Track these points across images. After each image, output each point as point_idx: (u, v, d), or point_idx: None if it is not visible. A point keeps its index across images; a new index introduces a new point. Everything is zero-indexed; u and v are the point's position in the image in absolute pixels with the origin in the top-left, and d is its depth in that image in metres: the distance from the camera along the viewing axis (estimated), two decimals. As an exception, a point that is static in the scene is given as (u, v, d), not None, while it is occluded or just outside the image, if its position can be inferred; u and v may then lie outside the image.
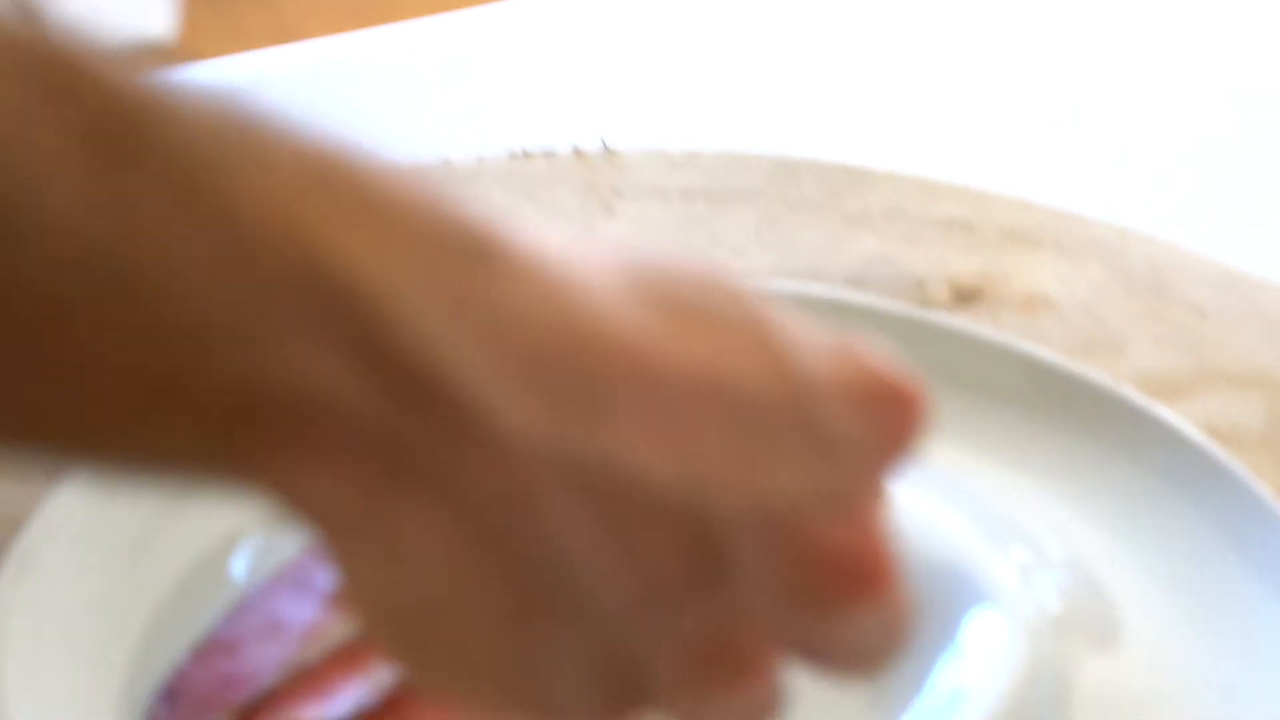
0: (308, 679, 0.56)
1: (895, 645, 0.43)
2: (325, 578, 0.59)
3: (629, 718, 0.41)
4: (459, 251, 0.37)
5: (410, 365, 0.36)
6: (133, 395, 0.35)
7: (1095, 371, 0.68)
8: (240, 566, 0.62)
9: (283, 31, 1.10)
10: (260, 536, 0.62)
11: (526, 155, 0.82)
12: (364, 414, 0.36)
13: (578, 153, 0.83)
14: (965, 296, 0.78)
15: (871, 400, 0.42)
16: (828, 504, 0.40)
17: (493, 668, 0.40)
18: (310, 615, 0.58)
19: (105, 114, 0.35)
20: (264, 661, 0.57)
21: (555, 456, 0.37)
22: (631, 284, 0.39)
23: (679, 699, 0.41)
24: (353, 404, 0.36)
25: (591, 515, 0.38)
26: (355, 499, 0.37)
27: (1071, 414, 0.67)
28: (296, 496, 0.38)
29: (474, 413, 0.36)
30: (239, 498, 0.38)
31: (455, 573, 0.38)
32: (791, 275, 0.76)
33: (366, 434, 0.36)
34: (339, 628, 0.57)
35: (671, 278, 0.40)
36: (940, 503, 0.63)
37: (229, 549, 0.62)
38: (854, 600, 0.41)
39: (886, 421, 0.42)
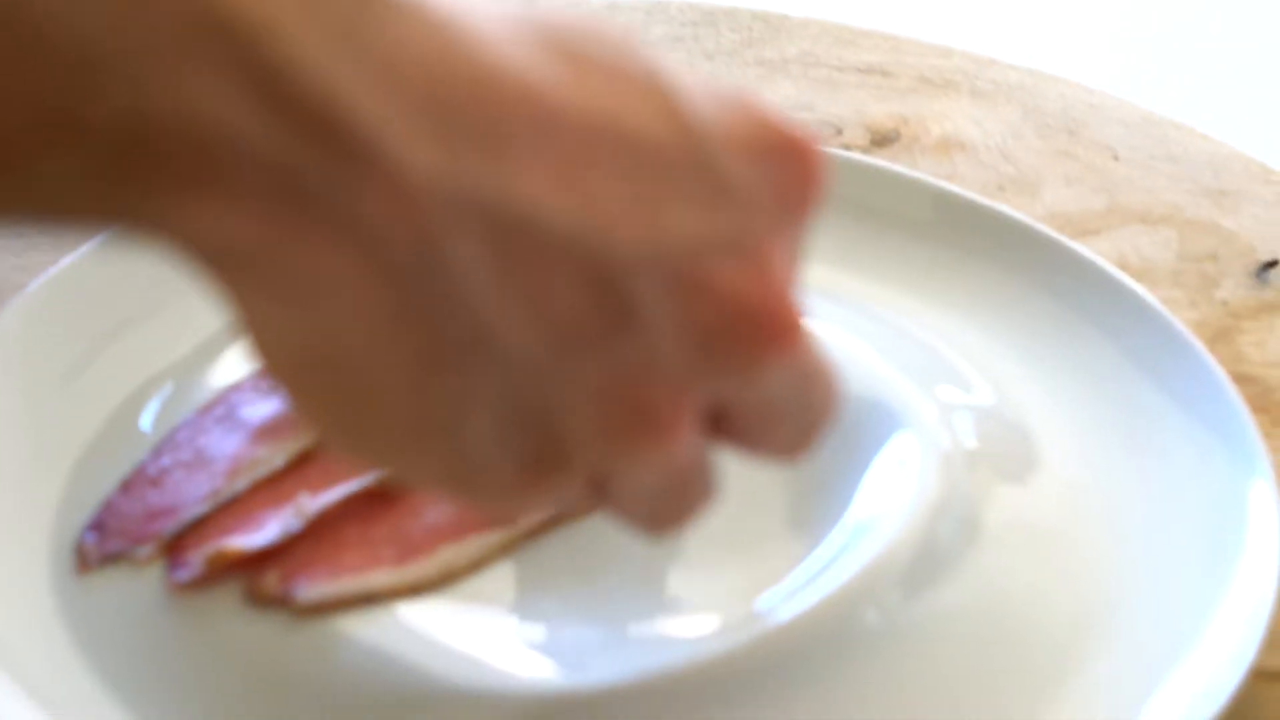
0: (234, 510, 0.57)
1: (814, 416, 0.43)
2: (252, 412, 0.60)
3: (550, 484, 0.41)
4: None
5: (304, 98, 0.35)
6: (22, 126, 0.34)
7: (1008, 208, 0.69)
8: (166, 406, 0.62)
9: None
10: (183, 376, 0.63)
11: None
12: (259, 148, 0.35)
13: None
14: (881, 141, 0.79)
15: (768, 150, 0.42)
16: (728, 252, 0.40)
17: (405, 423, 0.39)
18: (237, 448, 0.59)
19: None
20: (191, 493, 0.57)
21: (455, 194, 0.36)
22: (527, 32, 0.38)
23: (597, 456, 0.40)
24: (247, 138, 0.35)
25: (494, 256, 0.37)
26: (254, 239, 0.36)
27: (986, 248, 0.68)
28: (195, 239, 0.37)
29: (371, 148, 0.35)
30: (139, 245, 0.37)
31: (360, 317, 0.37)
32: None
33: (262, 169, 0.35)
34: (266, 461, 0.58)
35: (567, 29, 0.39)
36: (859, 336, 0.64)
37: (158, 388, 0.62)
38: (761, 351, 0.40)
39: (784, 173, 0.42)
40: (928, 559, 0.56)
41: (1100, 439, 0.62)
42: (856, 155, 0.72)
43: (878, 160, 0.71)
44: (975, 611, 0.55)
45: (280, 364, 0.39)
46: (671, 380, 0.40)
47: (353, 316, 0.37)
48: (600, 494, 0.43)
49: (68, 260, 0.65)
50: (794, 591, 0.55)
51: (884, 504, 0.57)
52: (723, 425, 0.43)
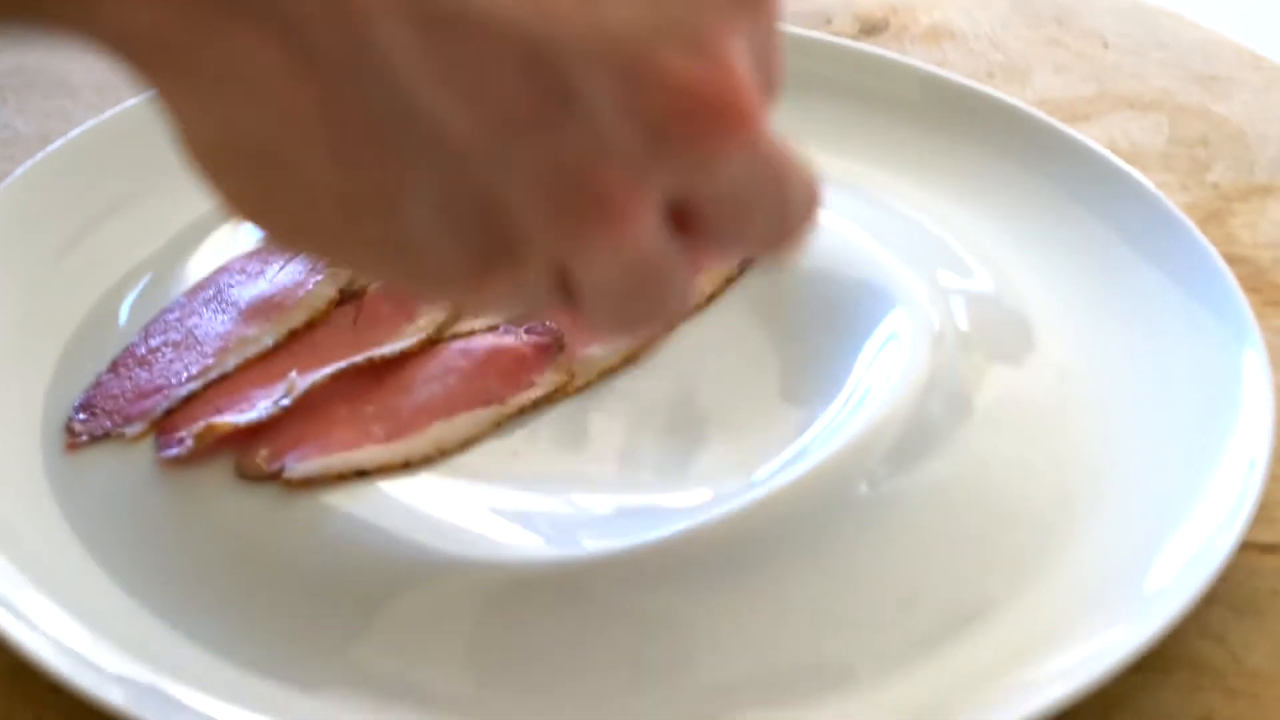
0: (224, 388, 0.56)
1: (788, 209, 0.42)
2: (242, 293, 0.60)
3: (504, 275, 0.40)
4: None
5: None
6: None
7: (998, 92, 0.69)
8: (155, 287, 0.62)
9: None
10: (171, 260, 0.63)
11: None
12: None
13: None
14: (871, 29, 0.78)
15: None
16: (676, 41, 0.38)
17: (335, 211, 0.38)
18: (226, 328, 0.58)
19: None
20: (180, 372, 0.57)
21: None
22: None
23: (550, 244, 0.39)
24: None
25: (426, 44, 0.36)
26: (175, 31, 0.35)
27: (977, 132, 0.68)
28: (114, 32, 0.35)
29: None
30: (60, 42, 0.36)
31: (289, 107, 0.36)
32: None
33: None
34: (255, 340, 0.58)
35: None
36: (851, 218, 0.64)
37: (148, 271, 0.62)
38: (713, 139, 0.39)
39: None
40: (917, 433, 0.56)
41: (1094, 319, 0.62)
42: (844, 40, 0.72)
43: (866, 45, 0.71)
44: (962, 485, 0.55)
45: (207, 157, 0.38)
46: (622, 167, 0.38)
47: (279, 108, 0.36)
48: (566, 295, 0.41)
49: (54, 145, 0.65)
50: (786, 464, 0.55)
51: (875, 380, 0.57)
52: (691, 222, 0.41)
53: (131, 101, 0.67)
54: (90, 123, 0.66)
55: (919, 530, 0.53)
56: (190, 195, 0.60)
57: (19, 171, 0.64)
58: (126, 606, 0.51)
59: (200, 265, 0.62)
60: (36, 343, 0.59)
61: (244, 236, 0.63)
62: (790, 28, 0.71)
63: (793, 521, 0.53)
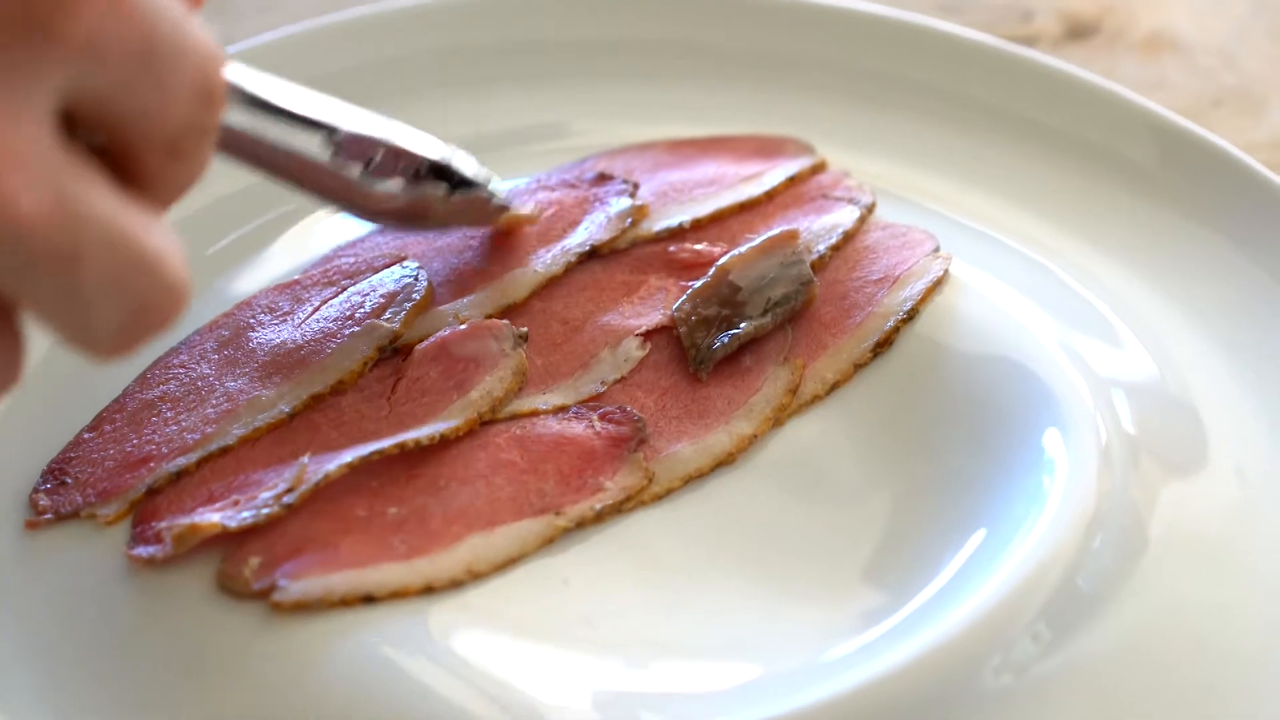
0: (221, 465, 0.47)
1: (157, 79, 0.35)
2: (263, 338, 0.50)
3: None
4: None
5: None
6: None
7: (1222, 140, 0.56)
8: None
9: None
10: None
11: None
12: None
13: None
14: (1079, 32, 0.67)
15: None
16: None
17: None
18: (237, 385, 0.49)
19: None
20: (173, 439, 0.47)
21: None
22: None
23: None
24: None
25: None
26: None
27: (1191, 194, 0.56)
28: None
29: None
30: None
31: None
32: (871, -6, 0.64)
33: None
34: (269, 405, 0.48)
35: None
36: (1001, 273, 0.54)
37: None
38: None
39: None
40: (1079, 587, 0.46)
41: (1266, 405, 0.51)
42: (1038, 55, 0.60)
43: (1064, 64, 0.59)
44: (1146, 650, 0.45)
45: None
46: None
47: None
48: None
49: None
50: (903, 631, 0.44)
51: (1025, 510, 0.47)
52: None
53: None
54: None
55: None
56: (239, 200, 0.52)
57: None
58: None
59: (238, 287, 0.53)
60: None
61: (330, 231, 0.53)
62: (971, 32, 0.59)
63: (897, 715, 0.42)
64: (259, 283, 0.52)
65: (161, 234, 0.35)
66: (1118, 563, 0.47)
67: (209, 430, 0.47)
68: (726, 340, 0.50)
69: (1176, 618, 0.46)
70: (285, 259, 0.54)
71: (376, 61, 0.60)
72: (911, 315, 0.51)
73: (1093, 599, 0.46)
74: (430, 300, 0.51)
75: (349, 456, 0.46)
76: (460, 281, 0.52)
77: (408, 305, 0.50)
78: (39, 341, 0.50)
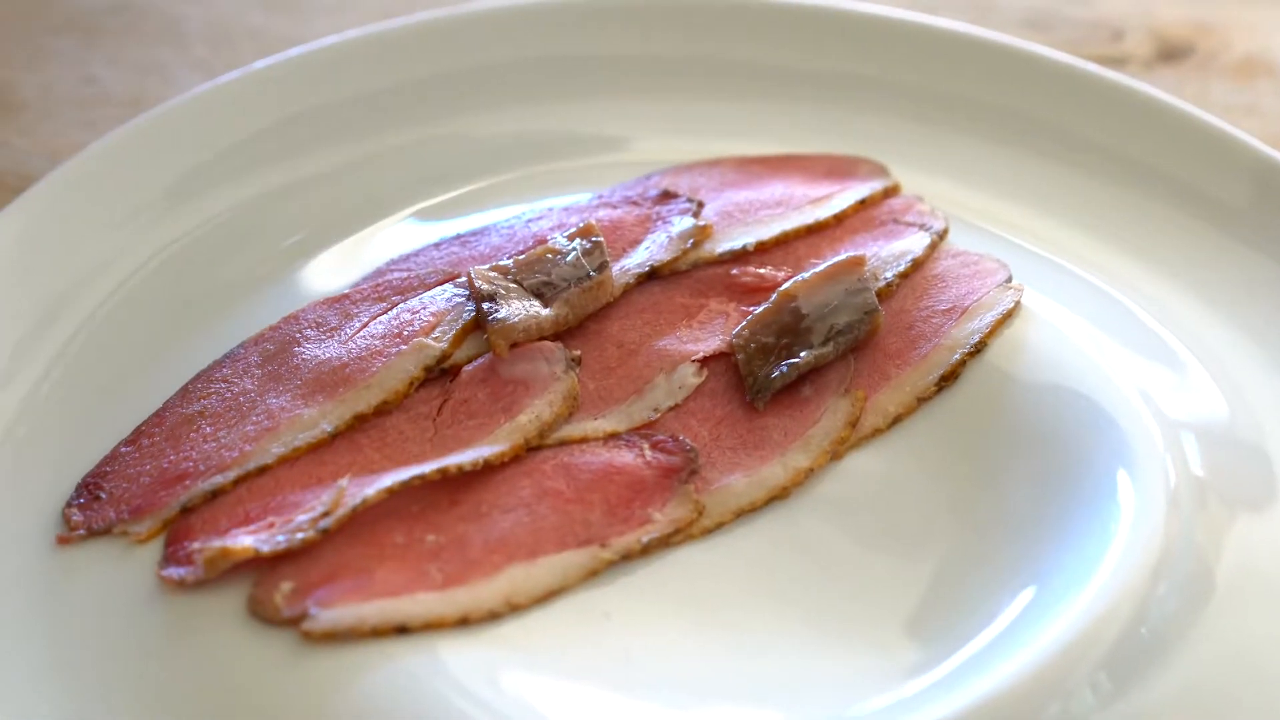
0: (258, 486, 0.45)
1: None
2: (310, 353, 0.48)
3: None
4: None
5: None
6: None
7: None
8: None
9: None
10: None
11: None
12: None
13: None
14: (1170, 54, 0.64)
15: None
16: None
17: None
18: (279, 402, 0.47)
19: None
20: (210, 457, 0.46)
21: None
22: None
23: None
24: None
25: None
26: None
27: (1252, 232, 0.53)
28: None
29: None
30: None
31: None
32: (955, 12, 0.62)
33: None
34: (311, 424, 0.47)
35: None
36: (1074, 306, 0.52)
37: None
38: None
39: None
40: (1143, 633, 0.44)
41: None
42: (1124, 79, 0.57)
43: (1153, 90, 0.56)
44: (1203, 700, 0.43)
45: None
46: None
47: None
48: None
49: (140, 118, 0.54)
50: (939, 689, 0.42)
51: (1089, 553, 0.45)
52: None
53: (256, 65, 0.56)
54: (197, 89, 0.56)
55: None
56: (300, 202, 0.50)
57: (95, 146, 0.54)
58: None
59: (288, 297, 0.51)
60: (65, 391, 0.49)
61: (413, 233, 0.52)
62: (1056, 53, 0.57)
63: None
64: (310, 294, 0.51)
65: None
66: (1182, 609, 0.45)
67: (248, 448, 0.46)
68: (786, 369, 0.48)
69: (1242, 663, 0.44)
70: (338, 271, 0.52)
71: (434, 70, 0.58)
72: (979, 349, 0.49)
73: (1156, 646, 0.44)
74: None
75: (389, 481, 0.44)
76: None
77: (457, 325, 0.48)
78: (78, 353, 0.49)
